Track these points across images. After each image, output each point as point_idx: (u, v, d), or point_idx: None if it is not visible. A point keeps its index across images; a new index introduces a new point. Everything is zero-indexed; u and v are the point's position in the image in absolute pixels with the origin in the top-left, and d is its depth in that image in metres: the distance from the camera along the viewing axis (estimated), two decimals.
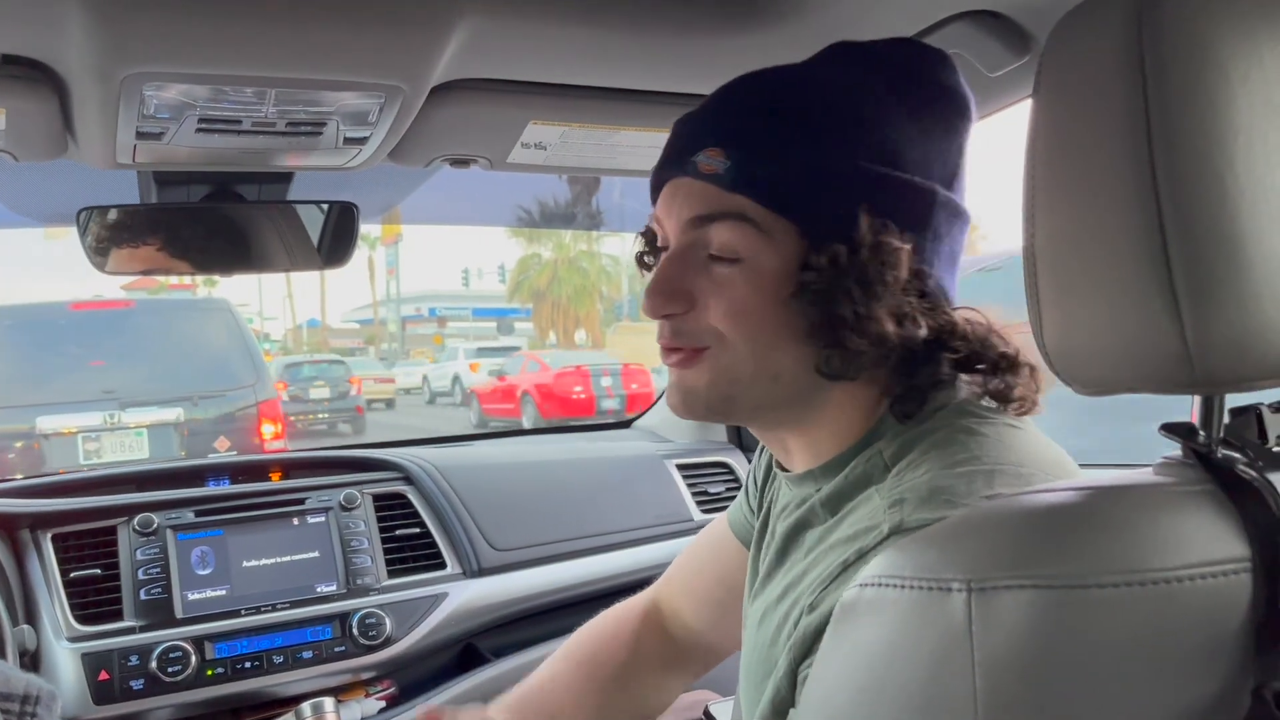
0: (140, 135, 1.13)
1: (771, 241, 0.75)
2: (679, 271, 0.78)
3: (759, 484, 1.02)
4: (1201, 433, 0.56)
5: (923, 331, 0.74)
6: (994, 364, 0.77)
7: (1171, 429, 0.57)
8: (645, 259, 0.92)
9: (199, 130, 1.13)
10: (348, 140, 1.21)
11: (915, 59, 0.79)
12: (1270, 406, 0.58)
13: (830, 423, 0.80)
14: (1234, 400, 0.57)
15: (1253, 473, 0.53)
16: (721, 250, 0.76)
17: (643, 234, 0.91)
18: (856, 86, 0.76)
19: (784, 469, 0.88)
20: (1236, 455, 0.54)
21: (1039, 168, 0.57)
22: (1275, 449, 0.57)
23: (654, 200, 0.84)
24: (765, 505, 0.97)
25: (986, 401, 0.78)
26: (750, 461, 2.16)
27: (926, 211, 0.76)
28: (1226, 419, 0.56)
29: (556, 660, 1.19)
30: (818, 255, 0.73)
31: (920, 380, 0.76)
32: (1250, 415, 0.57)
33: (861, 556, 0.69)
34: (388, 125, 1.17)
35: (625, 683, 1.16)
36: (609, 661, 1.17)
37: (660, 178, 0.82)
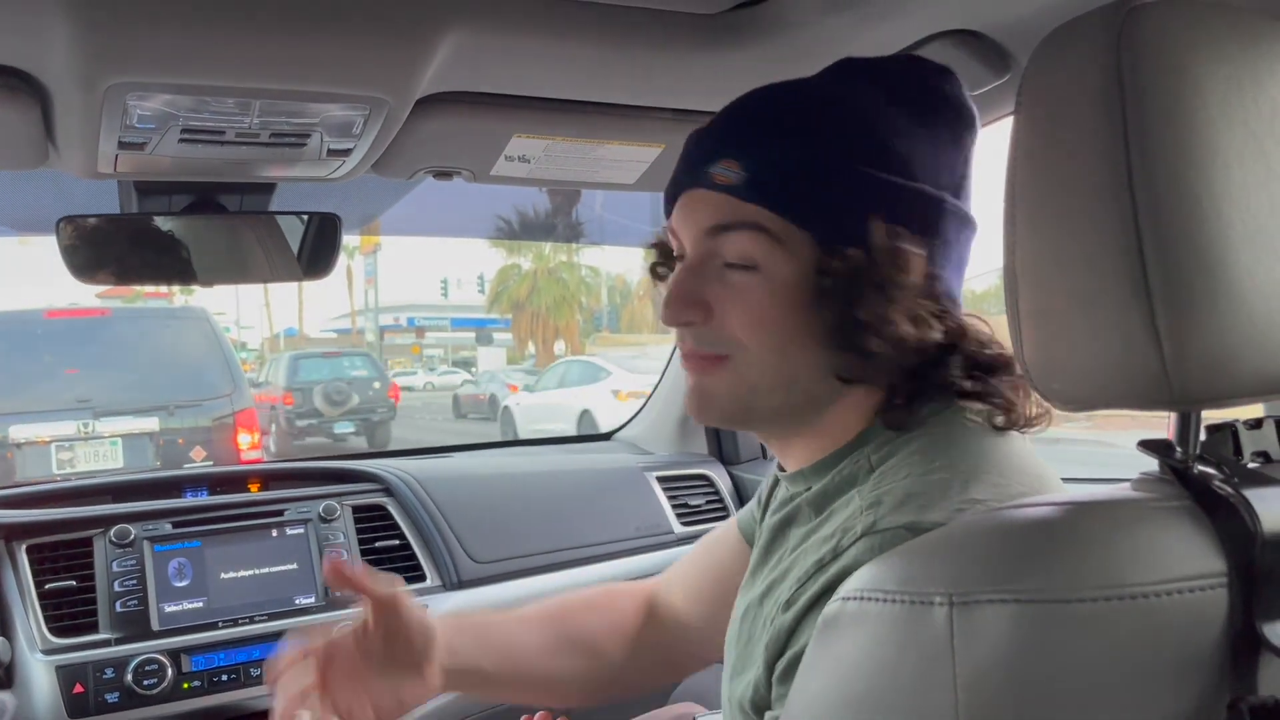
0: (122, 145, 1.12)
1: (787, 250, 0.76)
2: (696, 281, 0.80)
3: (769, 483, 1.03)
4: (1178, 449, 0.57)
5: (937, 334, 0.76)
6: (991, 368, 0.78)
7: (1149, 445, 0.58)
8: (659, 270, 0.93)
9: (182, 140, 1.12)
10: (332, 152, 1.21)
11: (919, 73, 0.82)
12: (1245, 423, 0.59)
13: (833, 425, 0.81)
14: (1210, 417, 0.58)
15: (1229, 489, 0.53)
16: (738, 259, 0.78)
17: (655, 245, 0.93)
18: (865, 99, 0.78)
19: (780, 468, 0.89)
20: (1213, 471, 0.55)
21: (1019, 186, 0.58)
22: (1250, 465, 0.58)
23: (668, 213, 0.85)
24: (767, 503, 0.98)
25: (976, 412, 0.78)
26: (731, 474, 2.17)
27: (936, 219, 0.77)
28: (1203, 436, 0.57)
29: (528, 608, 1.16)
30: (834, 261, 0.75)
31: (930, 381, 0.78)
32: (1226, 432, 0.58)
33: (836, 555, 0.70)
34: (372, 137, 1.17)
35: (594, 648, 1.13)
36: (584, 623, 1.14)
37: (675, 190, 0.83)
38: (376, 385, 13.18)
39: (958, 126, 0.80)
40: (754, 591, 0.84)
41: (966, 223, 0.80)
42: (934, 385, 0.78)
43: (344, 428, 12.48)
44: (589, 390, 12.79)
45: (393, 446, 12.49)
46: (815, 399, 0.80)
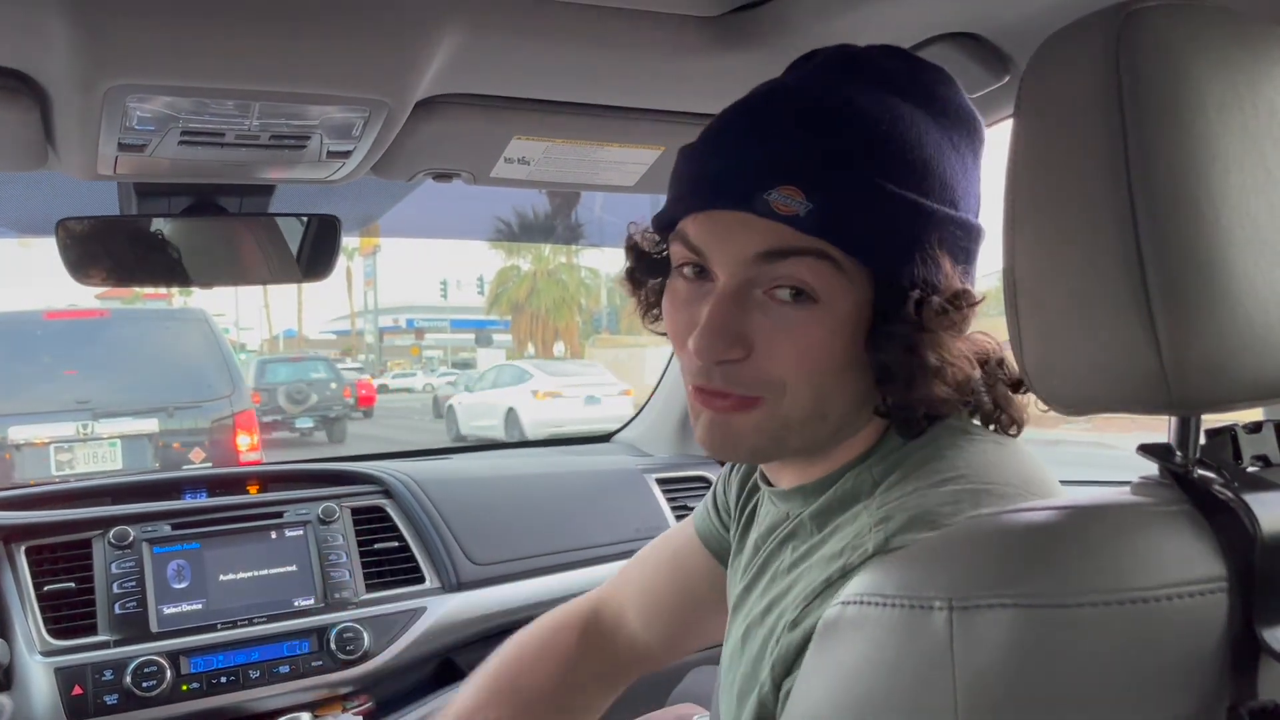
0: (122, 147, 1.12)
1: (849, 283, 0.71)
2: (736, 312, 0.72)
3: (737, 494, 1.01)
4: (1178, 453, 0.57)
5: (979, 367, 0.75)
6: (1015, 384, 0.78)
7: (1149, 449, 0.58)
8: (637, 275, 0.89)
9: (182, 143, 1.12)
10: (331, 154, 1.21)
11: (939, 84, 0.77)
12: (1244, 427, 0.59)
13: (844, 444, 0.79)
14: (1209, 421, 0.58)
15: (1228, 493, 0.53)
16: (801, 286, 0.71)
17: (632, 247, 0.88)
18: (915, 120, 0.73)
19: (768, 483, 0.87)
20: (1212, 476, 0.55)
21: (1019, 190, 0.58)
22: (1250, 469, 0.58)
23: (670, 224, 0.78)
24: (744, 516, 0.96)
25: (975, 420, 0.78)
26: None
27: (974, 247, 0.76)
28: (1202, 440, 0.57)
29: (481, 683, 1.13)
30: (898, 300, 0.70)
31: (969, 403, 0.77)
32: (1225, 436, 0.58)
33: (845, 574, 0.69)
34: (372, 139, 1.17)
35: (559, 702, 1.11)
36: (541, 681, 1.12)
37: (701, 206, 0.74)
38: (333, 386, 14.55)
39: (977, 142, 0.78)
40: (752, 611, 0.82)
41: (981, 238, 0.78)
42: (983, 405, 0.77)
43: (304, 423, 13.92)
44: (515, 390, 14.50)
45: (370, 443, 13.61)
46: (844, 428, 0.77)
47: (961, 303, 0.71)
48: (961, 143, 0.76)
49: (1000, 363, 0.78)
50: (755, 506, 0.94)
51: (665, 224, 0.78)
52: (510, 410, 14.06)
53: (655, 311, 0.88)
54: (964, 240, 0.74)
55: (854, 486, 0.77)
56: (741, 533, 0.95)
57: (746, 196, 0.70)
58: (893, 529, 0.68)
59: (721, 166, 0.72)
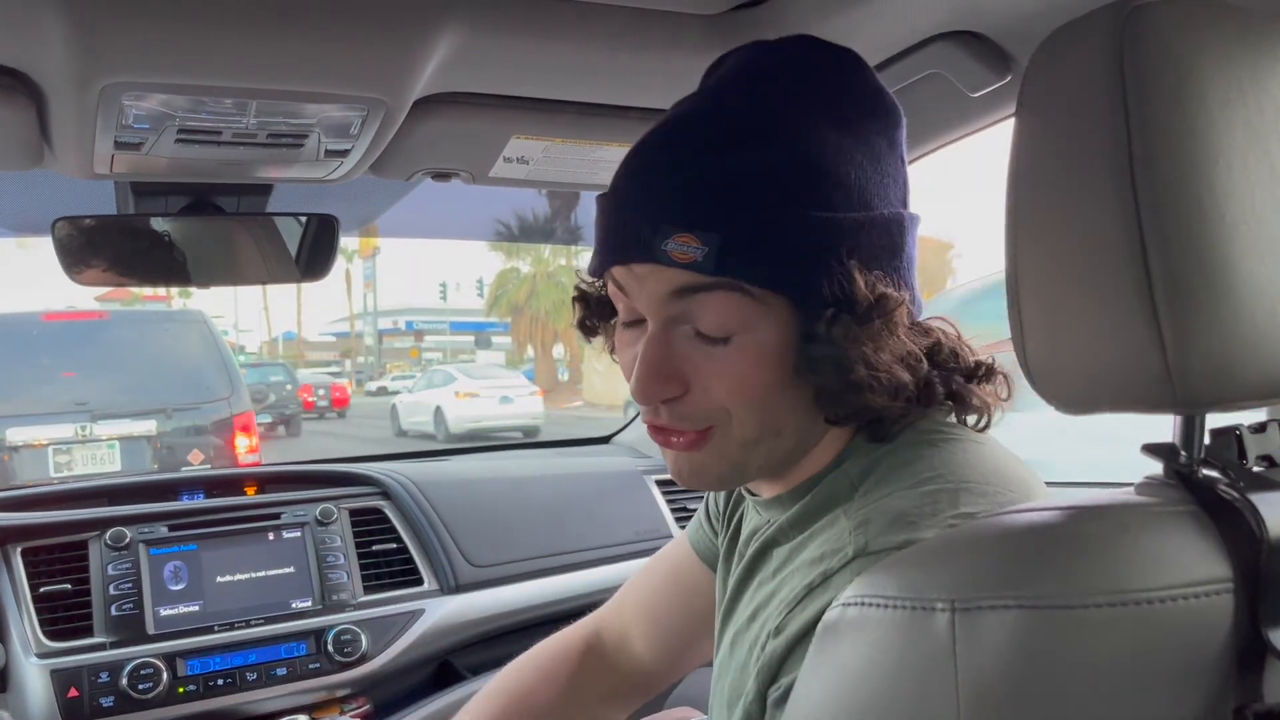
0: (118, 145, 1.11)
1: (766, 310, 0.71)
2: (666, 352, 0.73)
3: (724, 503, 1.00)
4: (1183, 453, 0.56)
5: (924, 364, 0.73)
6: (969, 373, 0.77)
7: (1153, 449, 0.57)
8: (587, 324, 0.89)
9: (178, 141, 1.12)
10: (329, 152, 1.20)
11: (845, 72, 0.75)
12: (1250, 427, 0.58)
13: (814, 453, 0.79)
14: (1214, 421, 0.57)
15: (1234, 493, 0.53)
16: (713, 329, 0.71)
17: (579, 299, 0.89)
18: (805, 127, 0.71)
19: (751, 493, 0.87)
20: (1217, 475, 0.55)
21: (1021, 189, 0.57)
22: (1255, 469, 0.57)
23: (596, 274, 0.79)
24: (733, 524, 0.96)
25: (950, 418, 0.77)
26: None
27: (900, 239, 0.74)
28: (1207, 439, 0.57)
29: (483, 707, 1.12)
30: (821, 324, 0.70)
31: (921, 401, 0.75)
32: (1230, 436, 0.58)
33: (826, 579, 0.68)
34: (370, 138, 1.16)
35: None
36: (545, 706, 1.11)
37: (611, 262, 0.75)
38: (289, 388, 16.60)
39: (890, 127, 0.75)
40: (739, 619, 0.82)
41: (917, 223, 0.77)
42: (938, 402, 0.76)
43: (263, 418, 15.32)
44: (443, 391, 16.97)
45: (330, 438, 14.77)
46: (804, 440, 0.77)
47: (878, 311, 0.69)
48: (871, 133, 0.74)
49: (954, 353, 0.76)
50: (742, 514, 0.93)
51: (595, 272, 0.79)
52: (438, 408, 16.45)
53: None
54: (882, 239, 0.72)
55: (831, 491, 0.76)
56: (730, 540, 0.94)
57: (648, 249, 0.70)
58: (872, 532, 0.67)
59: (621, 222, 0.73)
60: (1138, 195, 0.51)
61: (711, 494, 1.05)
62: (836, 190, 0.70)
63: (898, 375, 0.71)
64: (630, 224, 0.72)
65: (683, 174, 0.70)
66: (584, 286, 0.88)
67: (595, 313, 0.89)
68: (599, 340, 0.91)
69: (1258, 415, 0.62)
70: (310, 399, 18.74)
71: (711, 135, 0.71)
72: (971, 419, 0.77)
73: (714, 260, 0.68)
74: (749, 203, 0.69)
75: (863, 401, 0.71)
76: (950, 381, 0.75)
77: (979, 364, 0.77)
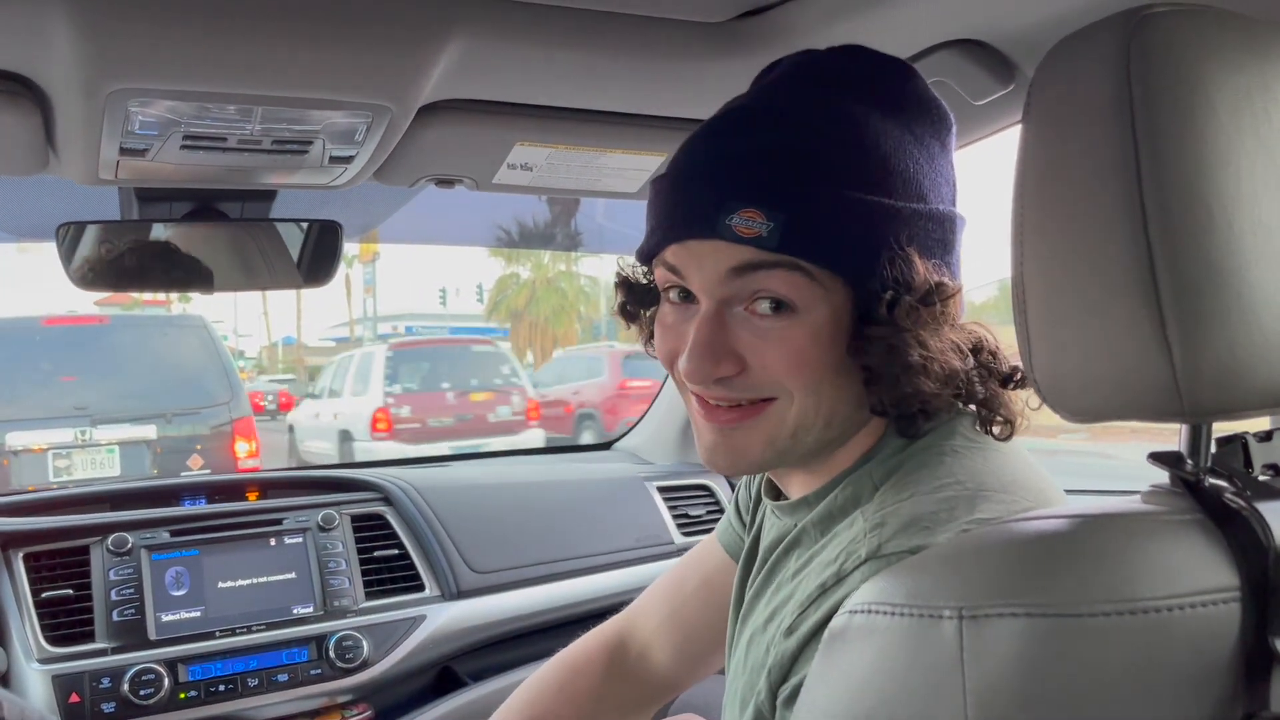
0: (124, 151, 1.12)
1: (824, 291, 0.72)
2: (721, 330, 0.74)
3: (749, 503, 1.01)
4: (1189, 461, 0.56)
5: (970, 357, 0.75)
6: (1005, 377, 0.77)
7: (1160, 458, 0.57)
8: (629, 308, 0.90)
9: (183, 147, 1.12)
10: (334, 159, 1.21)
11: (898, 78, 0.79)
12: (1256, 436, 0.58)
13: (845, 451, 0.79)
14: (1220, 429, 0.57)
15: (1240, 502, 0.53)
16: (778, 297, 0.72)
17: (621, 284, 0.90)
18: (867, 121, 0.74)
19: (774, 495, 0.87)
20: (1224, 484, 0.55)
21: (1028, 196, 0.57)
22: (1262, 478, 0.57)
23: (648, 259, 0.80)
24: (755, 525, 0.96)
25: (976, 425, 0.77)
26: (732, 485, 2.16)
27: (952, 237, 0.76)
28: (1213, 448, 0.57)
29: (506, 716, 1.12)
30: (878, 306, 0.71)
31: (963, 399, 0.76)
32: (1236, 444, 0.58)
33: (840, 580, 0.69)
34: (374, 144, 1.17)
35: None
36: (569, 714, 1.11)
37: (670, 239, 0.76)
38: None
39: (944, 132, 0.79)
40: (757, 619, 0.82)
41: (960, 225, 0.79)
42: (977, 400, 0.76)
43: None
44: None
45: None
46: (847, 432, 0.77)
47: (936, 297, 0.71)
48: (925, 133, 0.76)
49: (994, 354, 0.77)
50: (764, 517, 0.94)
51: (647, 254, 0.80)
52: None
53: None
54: (937, 232, 0.74)
55: (854, 492, 0.77)
56: (752, 542, 0.94)
57: (711, 225, 0.72)
58: (886, 535, 0.68)
59: (685, 198, 0.74)
60: (1144, 203, 0.51)
61: (740, 491, 1.05)
62: (896, 180, 0.73)
63: (950, 361, 0.72)
64: (694, 200, 0.73)
65: (750, 153, 0.72)
66: (625, 272, 0.89)
67: (638, 299, 0.89)
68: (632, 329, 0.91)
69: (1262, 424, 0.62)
70: (260, 403, 18.55)
71: (777, 120, 0.74)
72: (997, 428, 0.77)
73: (778, 237, 0.70)
74: (815, 183, 0.71)
75: (915, 386, 0.72)
76: (988, 382, 0.76)
77: (1015, 369, 0.77)
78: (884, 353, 0.71)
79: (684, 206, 0.74)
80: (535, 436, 9.74)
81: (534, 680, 1.16)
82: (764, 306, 0.73)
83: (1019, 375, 0.77)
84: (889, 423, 0.78)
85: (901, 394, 0.73)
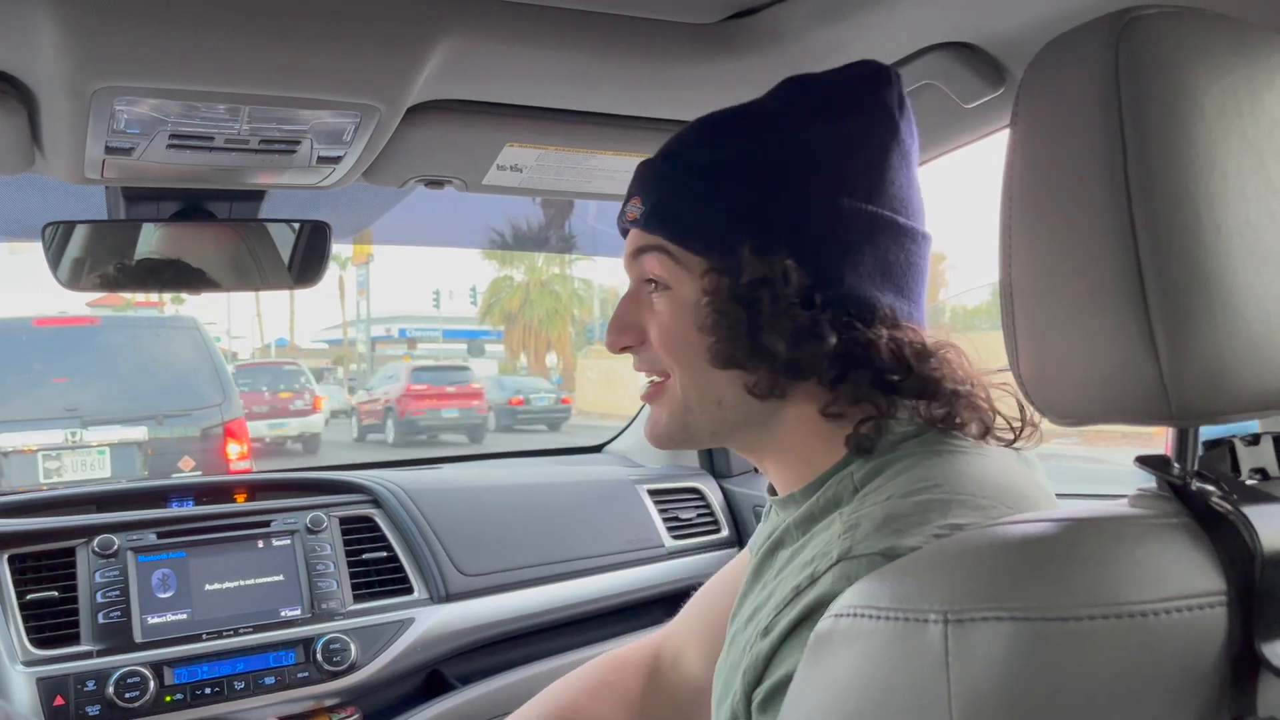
0: (110, 150, 1.11)
1: (688, 272, 0.81)
2: (629, 306, 0.86)
3: (768, 504, 1.01)
4: (1176, 465, 0.56)
5: (829, 345, 0.75)
6: (921, 385, 0.77)
7: (1146, 461, 0.57)
8: None
9: (170, 146, 1.11)
10: (322, 159, 1.20)
11: (844, 79, 0.82)
12: (1243, 440, 0.58)
13: (795, 446, 0.81)
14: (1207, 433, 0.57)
15: (1227, 505, 0.53)
16: (654, 274, 0.83)
17: None
18: (763, 115, 0.82)
19: (772, 492, 0.88)
20: (1211, 488, 0.55)
21: (1016, 199, 0.57)
22: (1248, 482, 0.57)
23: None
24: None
25: (957, 431, 0.77)
26: (723, 488, 2.16)
27: (831, 225, 0.77)
28: (1200, 452, 0.57)
29: (529, 710, 1.12)
30: (710, 284, 0.79)
31: (842, 396, 0.77)
32: (1223, 448, 0.58)
33: (813, 581, 0.69)
34: (363, 144, 1.16)
35: None
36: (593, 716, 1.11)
37: (620, 229, 0.89)
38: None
39: (873, 128, 0.80)
40: (740, 619, 0.82)
41: (884, 226, 0.79)
42: (853, 397, 0.77)
43: None
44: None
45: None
46: (751, 417, 0.82)
47: (765, 278, 0.76)
48: (829, 126, 0.79)
49: (905, 363, 0.76)
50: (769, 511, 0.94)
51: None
52: None
53: None
54: (816, 219, 0.78)
55: (836, 493, 0.77)
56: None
57: (623, 212, 0.87)
58: (858, 536, 0.68)
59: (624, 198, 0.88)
60: (1132, 206, 0.50)
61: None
62: (760, 168, 0.79)
63: (772, 345, 0.76)
64: (625, 199, 0.88)
65: (654, 157, 0.86)
66: None
67: None
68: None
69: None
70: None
71: (696, 123, 0.86)
72: (960, 435, 0.76)
73: (646, 217, 0.83)
74: (678, 171, 0.83)
75: (743, 364, 0.78)
76: (863, 381, 0.77)
77: (929, 379, 0.76)
78: (715, 331, 0.78)
79: (622, 205, 0.88)
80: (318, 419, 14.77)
81: (568, 678, 1.17)
82: (650, 286, 0.84)
83: (929, 387, 0.76)
84: (849, 425, 0.78)
85: (738, 370, 0.79)
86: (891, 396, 0.77)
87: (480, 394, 17.47)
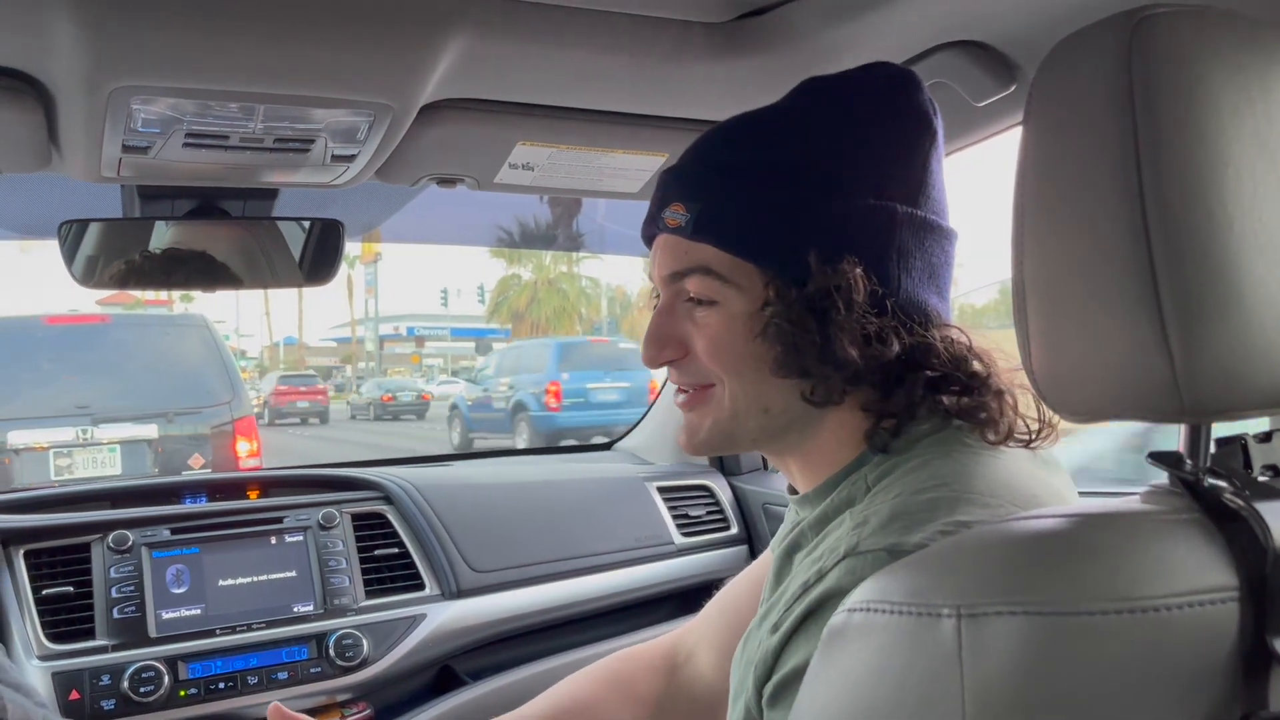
0: (126, 149, 1.12)
1: (738, 286, 0.79)
2: (668, 320, 0.85)
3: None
4: (1189, 461, 0.56)
5: (894, 350, 0.75)
6: (964, 385, 0.77)
7: (1159, 457, 0.57)
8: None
9: (186, 145, 1.12)
10: (335, 157, 1.21)
11: (873, 82, 0.82)
12: (1255, 437, 0.58)
13: (825, 447, 0.81)
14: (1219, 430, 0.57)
15: (1239, 501, 0.53)
16: (698, 294, 0.82)
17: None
18: (804, 119, 0.81)
19: (792, 491, 0.89)
20: (1223, 484, 0.55)
21: (1028, 197, 0.57)
22: (1261, 478, 0.57)
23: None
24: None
25: (971, 430, 0.77)
26: (732, 485, 2.16)
27: (887, 230, 0.78)
28: (1212, 448, 0.57)
29: (539, 706, 1.12)
30: (774, 293, 0.78)
31: (897, 400, 0.77)
32: (1236, 445, 0.58)
33: (820, 577, 0.69)
34: (376, 143, 1.17)
35: None
36: (605, 714, 1.10)
37: (646, 235, 0.88)
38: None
39: (911, 130, 0.80)
40: (757, 617, 0.83)
41: (929, 229, 0.80)
42: (916, 404, 0.77)
43: None
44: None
45: None
46: (795, 422, 0.81)
47: (835, 285, 0.75)
48: (872, 129, 0.80)
49: (952, 360, 0.78)
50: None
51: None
52: None
53: None
54: (868, 225, 0.77)
55: (850, 493, 0.78)
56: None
57: (655, 219, 0.85)
58: (865, 532, 0.69)
59: (651, 202, 0.87)
60: (1145, 204, 0.51)
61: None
62: (812, 175, 0.78)
63: (845, 350, 0.75)
64: (653, 202, 0.86)
65: (691, 156, 0.84)
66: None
67: None
68: None
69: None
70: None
71: (728, 126, 0.84)
72: (990, 434, 0.76)
73: (692, 226, 0.80)
74: (729, 176, 0.80)
75: (812, 371, 0.76)
76: (920, 384, 0.77)
77: (974, 374, 0.77)
78: (780, 338, 0.77)
79: (650, 209, 0.86)
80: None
81: (580, 674, 1.16)
82: (690, 301, 0.83)
83: (977, 383, 0.77)
84: (868, 429, 0.79)
85: (807, 379, 0.77)
86: (938, 398, 0.77)
87: (324, 391, 23.71)
